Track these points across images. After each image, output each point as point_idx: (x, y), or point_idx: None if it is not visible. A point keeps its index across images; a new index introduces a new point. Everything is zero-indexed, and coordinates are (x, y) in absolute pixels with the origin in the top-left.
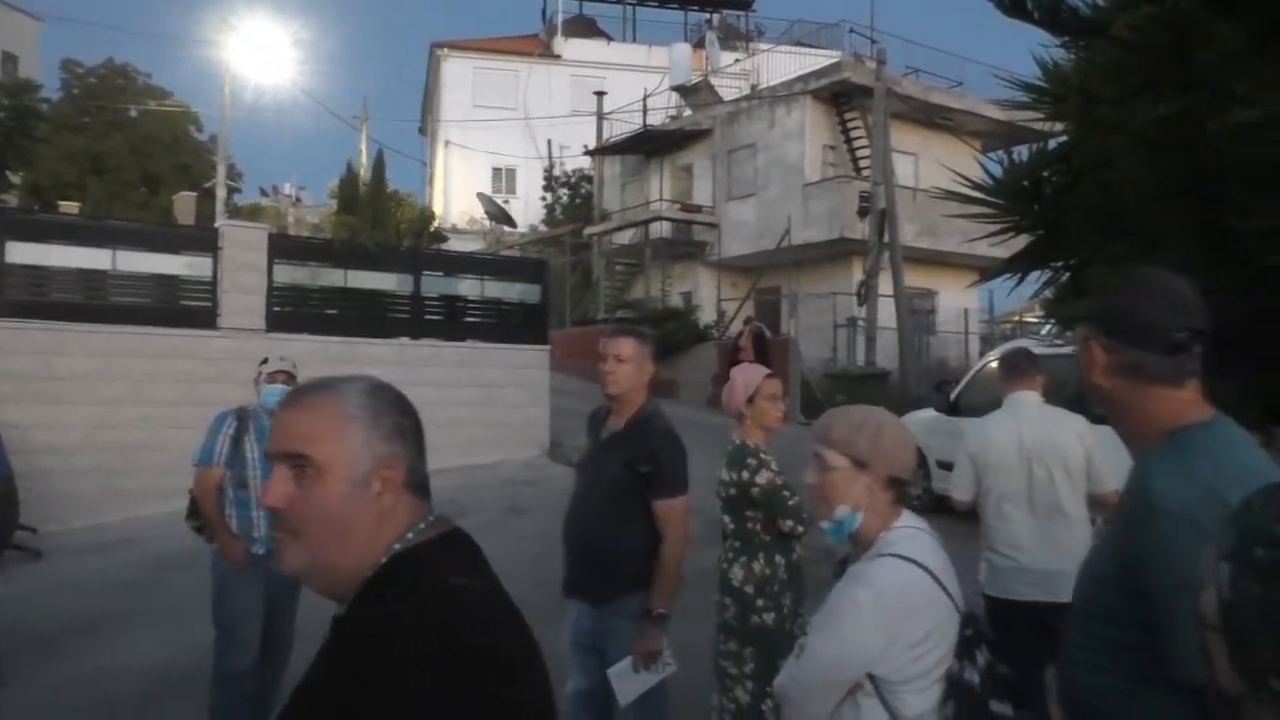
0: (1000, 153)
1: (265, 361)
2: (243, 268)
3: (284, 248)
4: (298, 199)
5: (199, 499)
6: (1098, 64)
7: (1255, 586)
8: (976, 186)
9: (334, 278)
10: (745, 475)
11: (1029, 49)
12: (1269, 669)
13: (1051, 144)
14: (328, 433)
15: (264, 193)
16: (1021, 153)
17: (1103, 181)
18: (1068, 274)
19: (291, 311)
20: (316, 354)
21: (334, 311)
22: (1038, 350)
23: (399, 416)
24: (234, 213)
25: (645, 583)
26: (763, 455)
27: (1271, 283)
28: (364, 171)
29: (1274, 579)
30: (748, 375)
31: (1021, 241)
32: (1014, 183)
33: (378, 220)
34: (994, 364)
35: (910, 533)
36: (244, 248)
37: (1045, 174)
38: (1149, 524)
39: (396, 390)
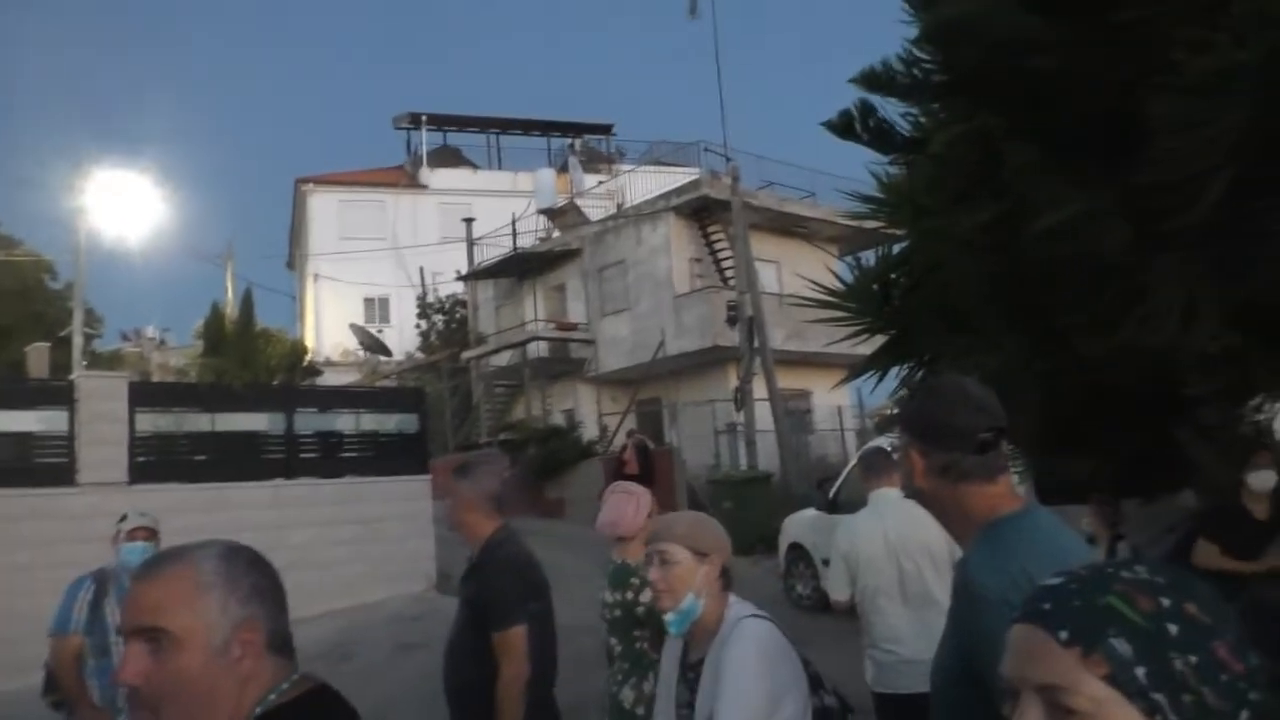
0: (850, 259)
1: (124, 518)
2: (102, 419)
3: (146, 394)
4: (162, 342)
5: (56, 671)
6: (921, 177)
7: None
8: (831, 292)
9: (201, 422)
10: (630, 595)
11: (864, 164)
12: None
13: (895, 248)
14: (182, 603)
15: (125, 337)
16: (870, 258)
17: (939, 283)
18: (921, 369)
19: (156, 461)
20: (186, 503)
21: (203, 457)
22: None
23: (256, 577)
24: (93, 360)
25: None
26: (644, 573)
27: (1097, 370)
28: (230, 310)
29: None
30: (639, 497)
31: (882, 339)
32: (864, 287)
33: (246, 359)
34: None
35: (745, 603)
36: (102, 398)
37: (893, 276)
38: (974, 612)
39: (252, 551)
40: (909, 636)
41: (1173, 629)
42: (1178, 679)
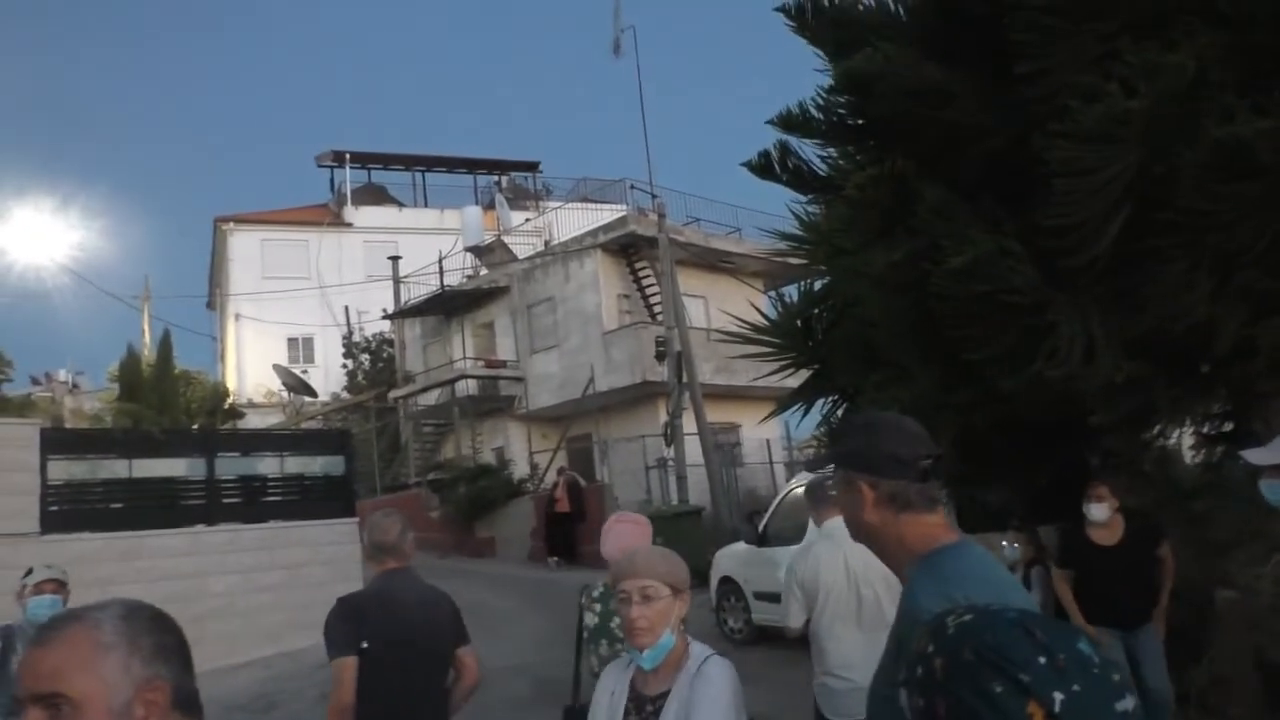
0: (773, 294)
1: (30, 572)
2: (11, 468)
3: (58, 442)
4: (75, 386)
5: None
6: (837, 217)
7: (919, 699)
8: (756, 328)
9: (117, 468)
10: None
11: (785, 203)
12: None
13: (816, 285)
14: (81, 666)
15: (36, 381)
16: (793, 293)
17: (857, 319)
18: (844, 403)
19: (70, 510)
20: (101, 552)
21: (119, 505)
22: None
23: (160, 635)
24: (2, 406)
25: None
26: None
27: (1009, 402)
28: (148, 352)
29: (928, 692)
30: (645, 526)
31: (808, 372)
32: (787, 323)
33: (165, 403)
34: (797, 492)
35: (698, 642)
36: (12, 445)
37: (815, 311)
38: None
39: (154, 608)
40: (862, 662)
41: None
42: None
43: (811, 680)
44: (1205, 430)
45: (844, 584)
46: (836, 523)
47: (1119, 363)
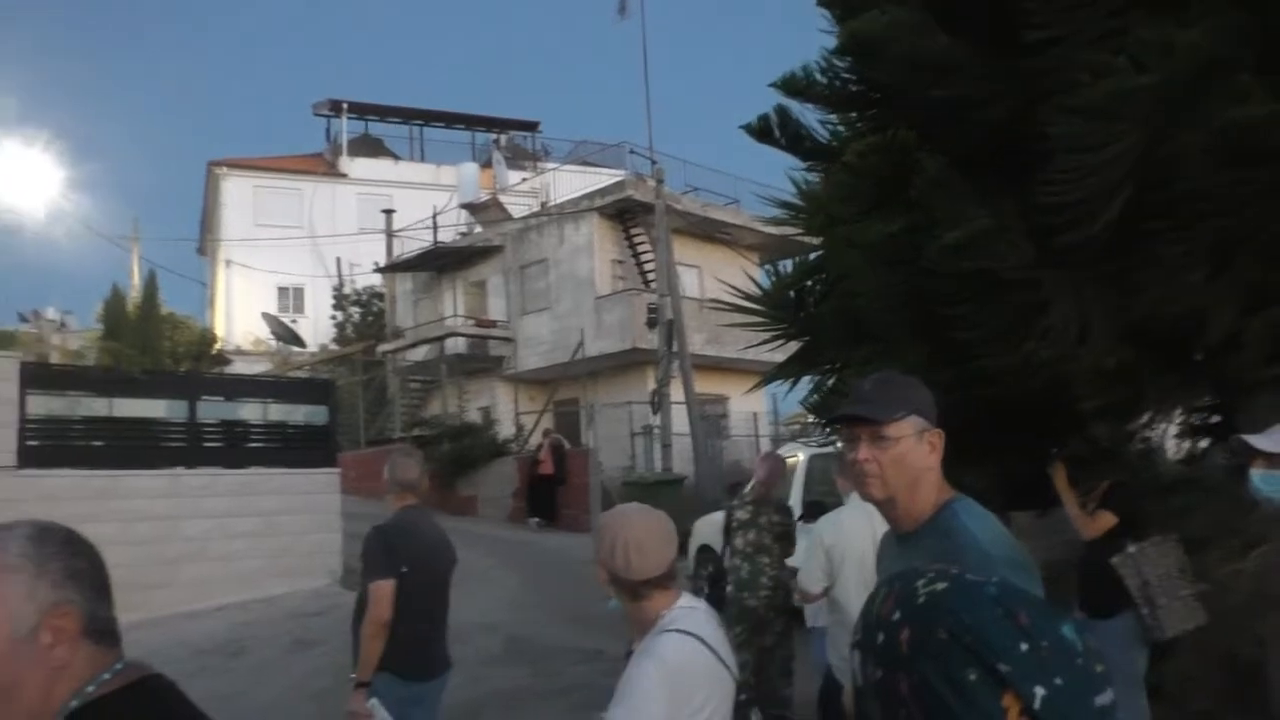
0: (769, 267)
1: None
2: None
3: (38, 377)
4: (62, 324)
5: None
6: (835, 186)
7: (876, 670)
8: (748, 298)
9: (97, 406)
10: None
11: (784, 170)
12: None
13: (811, 256)
14: None
15: (24, 318)
16: (788, 265)
17: (848, 292)
18: (831, 377)
19: (48, 445)
20: (78, 488)
21: (99, 443)
22: (815, 451)
23: (70, 559)
24: None
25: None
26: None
27: (996, 383)
28: (136, 294)
29: (889, 664)
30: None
31: (797, 346)
32: (780, 294)
33: (147, 344)
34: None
35: (688, 610)
36: None
37: (807, 284)
38: (990, 571)
39: (68, 530)
40: None
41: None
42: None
43: (807, 646)
44: (1193, 420)
45: (871, 553)
46: None
47: (1111, 347)
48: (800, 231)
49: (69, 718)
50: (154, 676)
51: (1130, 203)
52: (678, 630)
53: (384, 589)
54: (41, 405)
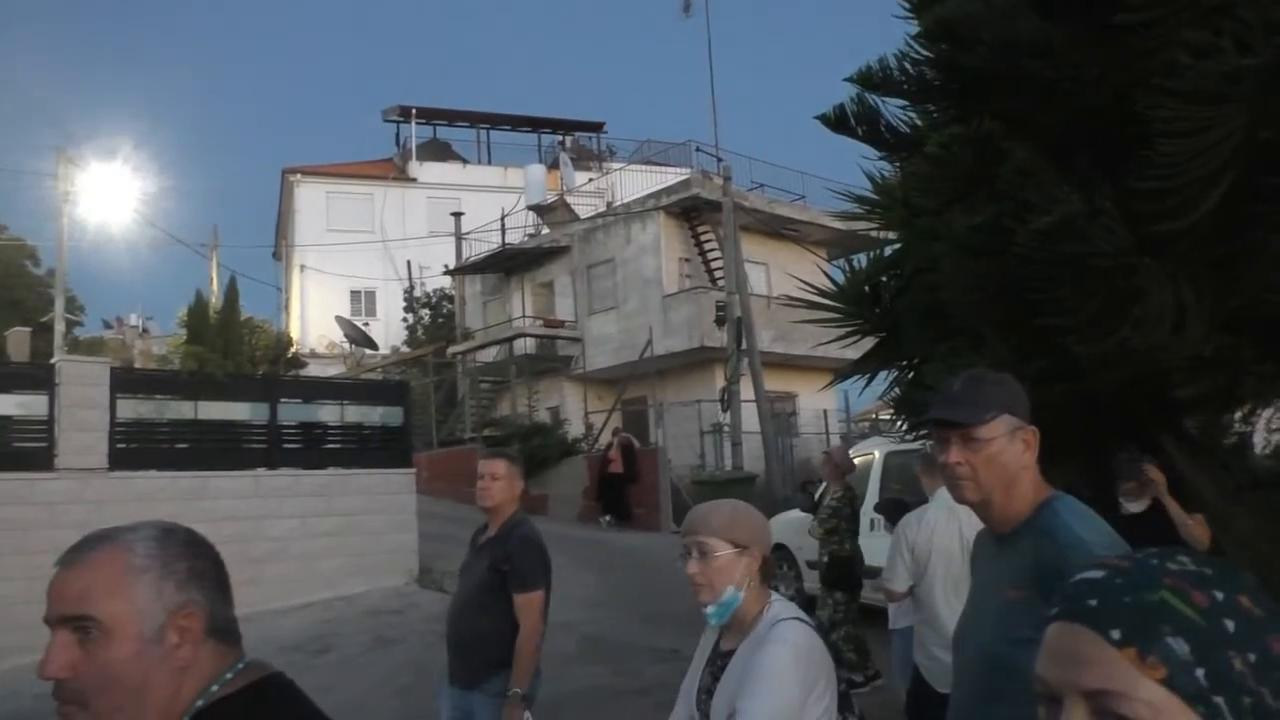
0: (843, 260)
1: None
2: (82, 404)
3: (127, 381)
4: (144, 330)
5: None
6: (915, 177)
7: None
8: (822, 293)
9: (183, 410)
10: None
11: (856, 160)
12: None
13: (887, 251)
14: (111, 589)
15: (108, 325)
16: (862, 259)
17: (929, 285)
18: (911, 373)
19: (137, 448)
20: (165, 490)
21: (184, 445)
22: (891, 448)
23: (194, 559)
24: (75, 347)
25: (507, 665)
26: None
27: (1085, 376)
28: (215, 299)
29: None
30: None
31: (869, 343)
32: (855, 288)
33: (229, 348)
34: (856, 461)
35: (786, 603)
36: (83, 383)
37: (883, 279)
38: None
39: (190, 531)
40: None
41: (1229, 625)
42: (1237, 679)
43: (889, 647)
44: None
45: (958, 552)
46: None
47: (1209, 334)
48: (876, 225)
49: (195, 717)
50: (275, 675)
51: (1233, 188)
52: (795, 618)
53: (538, 600)
54: (130, 409)
